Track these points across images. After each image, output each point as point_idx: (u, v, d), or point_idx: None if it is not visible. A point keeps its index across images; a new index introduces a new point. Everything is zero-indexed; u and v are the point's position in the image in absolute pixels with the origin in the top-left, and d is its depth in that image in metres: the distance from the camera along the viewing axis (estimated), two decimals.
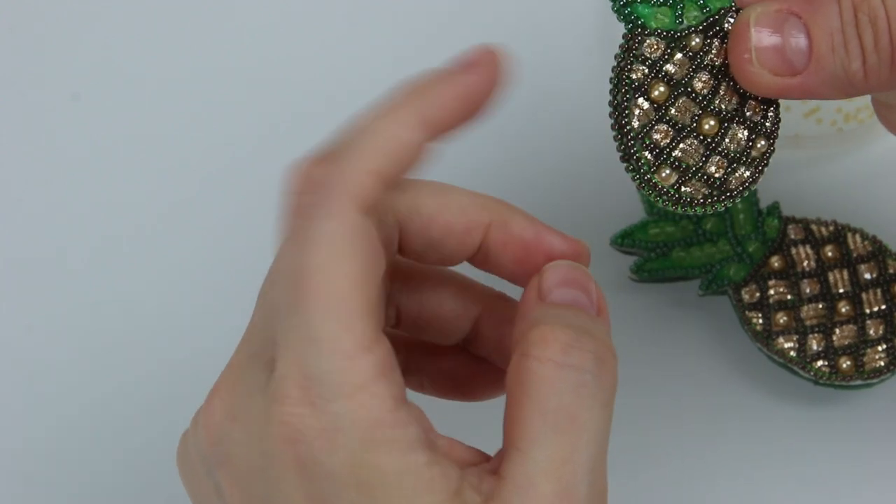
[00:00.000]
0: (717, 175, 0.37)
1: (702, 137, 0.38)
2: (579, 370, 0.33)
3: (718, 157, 0.38)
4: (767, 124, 0.38)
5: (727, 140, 0.38)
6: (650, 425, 0.49)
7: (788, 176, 0.52)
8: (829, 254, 0.48)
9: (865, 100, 0.51)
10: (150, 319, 0.52)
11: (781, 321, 0.47)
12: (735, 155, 0.38)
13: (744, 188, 0.38)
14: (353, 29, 0.57)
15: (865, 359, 0.47)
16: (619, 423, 0.49)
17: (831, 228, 0.48)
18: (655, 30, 0.38)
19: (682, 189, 0.37)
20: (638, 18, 0.38)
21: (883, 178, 0.52)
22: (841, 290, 0.47)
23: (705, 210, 0.37)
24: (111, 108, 0.56)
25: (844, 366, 0.46)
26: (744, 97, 0.38)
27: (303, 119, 0.55)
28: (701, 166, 0.37)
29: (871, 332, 0.47)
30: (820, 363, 0.47)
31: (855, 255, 0.48)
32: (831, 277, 0.48)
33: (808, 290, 0.47)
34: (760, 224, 0.48)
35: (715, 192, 0.37)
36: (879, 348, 0.47)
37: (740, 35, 0.38)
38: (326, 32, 0.57)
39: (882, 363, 0.46)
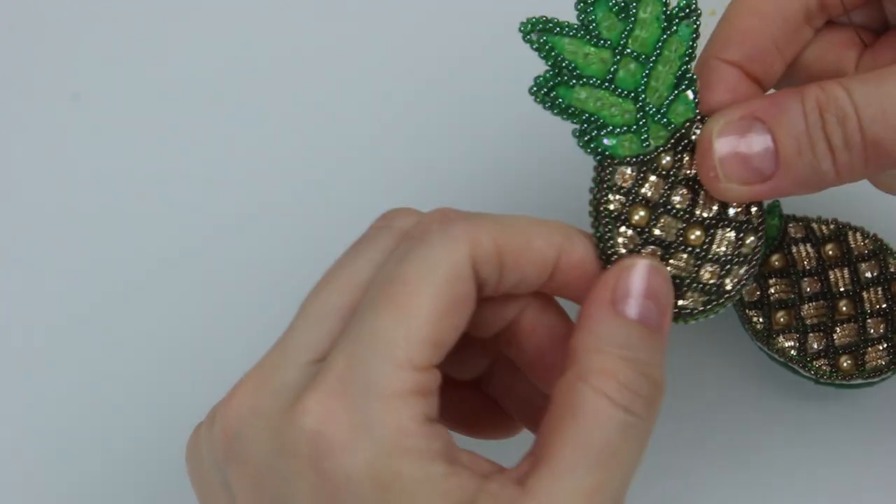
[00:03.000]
0: (711, 281, 0.37)
1: (690, 249, 0.38)
2: (631, 413, 0.34)
3: (710, 264, 0.37)
4: (753, 220, 0.38)
5: (715, 245, 0.38)
6: None
7: None
8: (830, 252, 0.48)
9: None
10: (151, 319, 0.52)
11: (782, 320, 0.47)
12: (726, 258, 0.37)
13: (740, 286, 0.37)
14: (353, 30, 0.58)
15: (866, 357, 0.47)
16: None
17: (832, 227, 0.48)
18: (625, 158, 0.37)
19: (680, 303, 0.37)
20: (605, 150, 0.37)
21: None
22: (841, 289, 0.47)
23: (706, 317, 0.37)
24: (111, 108, 0.56)
25: (845, 364, 0.46)
26: (724, 202, 0.38)
27: (303, 119, 0.55)
28: (695, 276, 0.37)
29: (872, 330, 0.47)
30: (820, 362, 0.47)
31: (856, 253, 0.48)
32: (832, 276, 0.48)
33: (808, 289, 0.47)
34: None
35: (713, 297, 0.37)
36: (880, 347, 0.47)
37: (705, 152, 0.37)
38: (326, 32, 0.57)
39: (883, 362, 0.46)
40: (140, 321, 0.52)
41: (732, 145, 0.37)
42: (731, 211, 0.38)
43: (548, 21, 0.37)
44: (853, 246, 0.48)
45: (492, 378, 0.40)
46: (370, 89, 0.56)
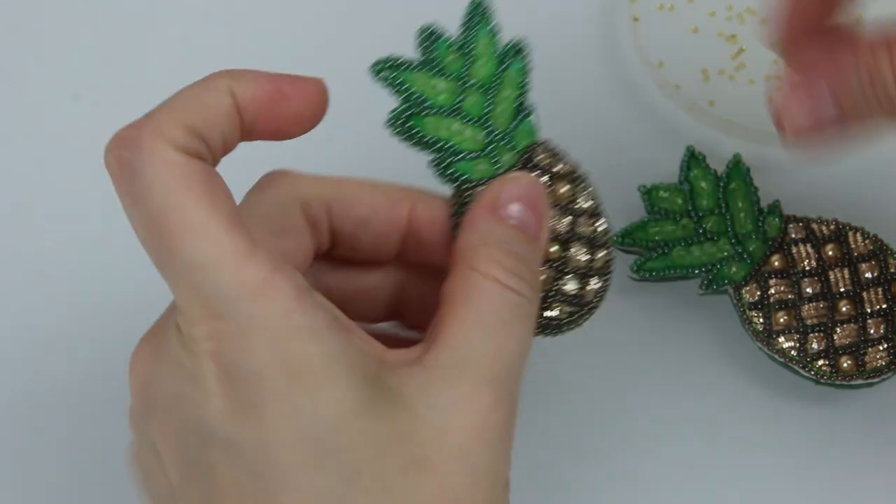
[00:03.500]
0: (573, 293, 0.40)
1: (550, 262, 0.40)
2: (517, 293, 0.36)
3: (570, 276, 0.40)
4: (599, 238, 0.41)
5: (572, 258, 0.41)
6: (649, 425, 0.49)
7: (789, 176, 0.52)
8: (830, 253, 0.48)
9: None
10: (151, 319, 0.52)
11: (782, 320, 0.47)
12: (583, 271, 0.40)
13: (600, 297, 0.41)
14: (354, 31, 0.58)
15: (866, 358, 0.47)
16: (618, 424, 0.49)
17: (832, 227, 0.48)
18: (480, 180, 0.40)
19: (548, 314, 0.40)
20: (461, 175, 0.40)
21: (883, 178, 0.52)
22: (842, 289, 0.47)
23: (572, 328, 0.40)
24: (112, 108, 0.56)
25: (845, 365, 0.47)
26: (575, 217, 0.41)
27: None
28: (559, 289, 0.40)
29: (872, 331, 0.47)
30: (821, 362, 0.47)
31: (856, 253, 0.48)
32: (832, 276, 0.48)
33: (808, 289, 0.47)
34: (761, 223, 0.48)
35: (576, 309, 0.40)
36: (880, 347, 0.47)
37: (779, 118, 0.40)
38: (327, 32, 0.57)
39: (883, 362, 0.46)
40: (141, 321, 0.52)
41: (799, 112, 0.40)
42: (580, 228, 0.41)
43: (396, 59, 0.40)
44: (853, 246, 0.48)
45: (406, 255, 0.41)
46: (370, 90, 0.56)
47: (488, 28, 0.41)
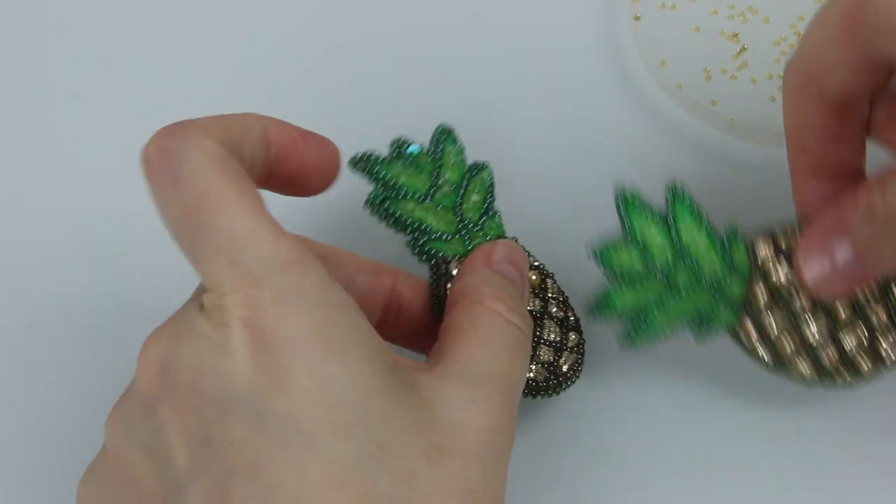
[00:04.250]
0: (549, 360, 0.45)
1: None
2: (517, 328, 0.40)
3: (545, 347, 0.45)
4: (571, 319, 0.46)
5: (545, 334, 0.45)
6: (649, 424, 0.49)
7: (788, 175, 0.51)
8: None
9: None
10: (152, 318, 0.52)
11: (789, 349, 0.45)
12: (557, 345, 0.45)
13: (573, 372, 0.45)
14: (355, 32, 0.57)
15: (882, 352, 0.45)
16: (617, 424, 0.49)
17: (793, 238, 0.46)
18: (454, 257, 0.45)
19: (529, 376, 0.44)
20: (437, 252, 0.45)
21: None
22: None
23: (550, 394, 0.45)
24: (112, 108, 0.56)
25: (865, 368, 0.45)
26: (545, 301, 0.46)
27: (302, 118, 0.55)
28: (535, 353, 0.45)
29: (875, 321, 0.45)
30: (842, 371, 0.45)
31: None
32: None
33: (803, 308, 0.45)
34: (729, 259, 0.45)
35: (552, 376, 0.45)
36: (891, 338, 0.45)
37: (802, 274, 0.42)
38: (328, 32, 0.57)
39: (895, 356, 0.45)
40: (141, 320, 0.52)
41: (820, 266, 0.41)
42: (553, 308, 0.46)
43: (371, 154, 0.46)
44: None
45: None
46: (372, 90, 0.56)
47: (455, 145, 0.46)
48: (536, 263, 0.47)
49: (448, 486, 0.35)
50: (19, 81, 0.57)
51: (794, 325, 0.45)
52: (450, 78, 0.56)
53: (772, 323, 0.45)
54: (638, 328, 0.44)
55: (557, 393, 0.45)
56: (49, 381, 0.51)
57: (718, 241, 0.45)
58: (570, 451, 0.48)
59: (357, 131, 0.48)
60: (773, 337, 0.45)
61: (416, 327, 0.45)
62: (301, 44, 0.57)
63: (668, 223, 0.45)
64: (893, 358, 0.45)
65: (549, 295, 0.46)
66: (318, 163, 0.41)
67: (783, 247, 0.46)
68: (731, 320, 0.45)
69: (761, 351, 0.45)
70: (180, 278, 0.53)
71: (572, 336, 0.46)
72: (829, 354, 0.45)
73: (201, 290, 0.38)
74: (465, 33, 0.57)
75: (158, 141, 0.37)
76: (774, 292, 0.45)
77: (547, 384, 0.44)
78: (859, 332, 0.45)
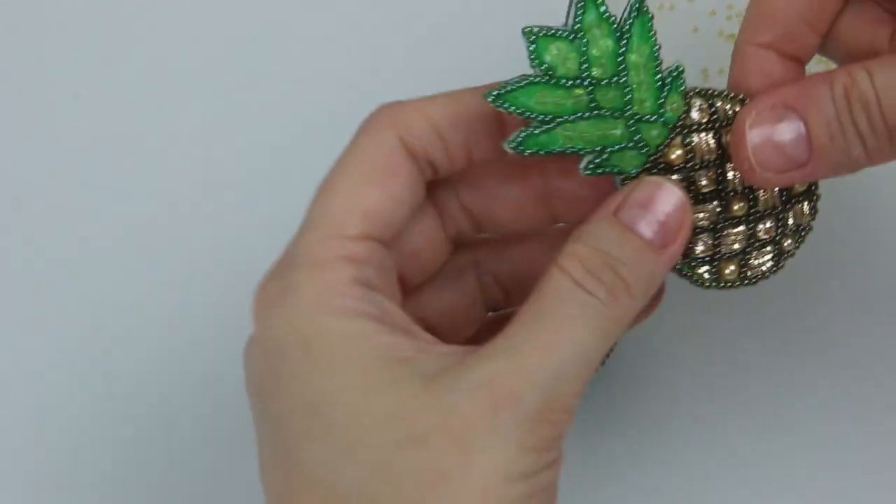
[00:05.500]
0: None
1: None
2: (588, 293, 0.35)
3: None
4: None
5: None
6: (646, 425, 0.49)
7: None
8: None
9: None
10: (152, 318, 0.52)
11: None
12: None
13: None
14: (357, 32, 0.57)
15: (750, 262, 0.42)
16: (613, 421, 0.49)
17: (737, 108, 0.41)
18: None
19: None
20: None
21: (883, 178, 0.52)
22: (738, 186, 0.41)
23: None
24: (112, 108, 0.56)
25: (727, 271, 0.42)
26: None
27: (302, 117, 0.55)
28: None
29: (762, 233, 0.42)
30: (703, 269, 0.42)
31: None
32: (730, 171, 0.41)
33: (704, 185, 0.41)
34: (663, 101, 0.40)
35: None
36: (765, 251, 0.42)
37: (738, 143, 0.38)
38: (328, 33, 0.57)
39: (765, 267, 0.42)
40: (141, 320, 0.52)
41: (765, 135, 0.38)
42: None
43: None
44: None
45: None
46: (373, 94, 0.56)
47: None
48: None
49: (418, 473, 0.33)
50: (19, 81, 0.57)
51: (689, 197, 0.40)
52: (450, 78, 0.56)
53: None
54: (538, 133, 0.38)
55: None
56: (48, 381, 0.52)
57: (660, 78, 0.40)
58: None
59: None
60: None
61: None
62: (301, 43, 0.57)
63: (620, 34, 0.39)
64: (756, 272, 0.42)
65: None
66: None
67: (717, 114, 0.41)
68: (634, 167, 0.40)
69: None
70: (181, 277, 0.53)
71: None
72: (703, 243, 0.42)
73: None
74: (465, 36, 0.57)
75: (380, 108, 0.38)
76: (687, 159, 0.41)
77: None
78: (742, 234, 0.42)
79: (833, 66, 0.43)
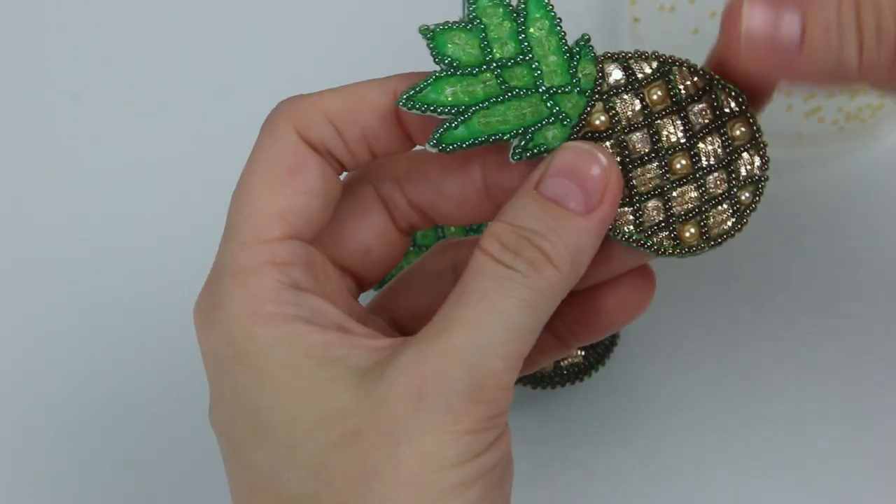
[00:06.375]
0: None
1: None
2: (506, 266, 0.34)
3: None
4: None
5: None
6: (645, 425, 0.49)
7: (789, 175, 0.52)
8: (655, 97, 0.39)
9: (867, 99, 0.51)
10: (152, 317, 0.52)
11: None
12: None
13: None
14: (355, 32, 0.58)
15: (710, 222, 0.39)
16: (611, 418, 0.49)
17: (654, 65, 0.40)
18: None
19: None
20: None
21: (883, 178, 0.52)
22: (674, 142, 0.39)
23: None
24: (112, 108, 0.56)
25: (688, 234, 0.39)
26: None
27: None
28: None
29: (713, 188, 0.39)
30: (662, 235, 0.39)
31: (684, 94, 0.39)
32: (662, 128, 0.39)
33: (638, 147, 0.39)
34: (574, 71, 0.39)
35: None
36: (722, 207, 0.39)
37: (733, 16, 0.36)
38: (328, 33, 0.57)
39: (727, 225, 0.39)
40: (141, 319, 0.52)
41: (762, 17, 0.36)
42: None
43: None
44: (680, 86, 0.39)
45: None
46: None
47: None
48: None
49: (355, 469, 0.33)
50: (19, 81, 0.57)
51: (624, 168, 0.39)
52: None
53: None
54: (456, 126, 0.38)
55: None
56: (48, 380, 0.52)
57: (566, 49, 0.39)
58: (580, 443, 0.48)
59: None
60: None
61: None
62: (301, 43, 0.57)
63: (516, 13, 0.39)
64: (719, 230, 0.39)
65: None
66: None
67: (637, 76, 0.39)
68: (558, 140, 0.38)
69: None
70: (181, 277, 0.53)
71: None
72: (655, 209, 0.39)
73: None
74: None
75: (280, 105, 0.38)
76: (613, 123, 0.39)
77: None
78: (693, 192, 0.40)
79: None
